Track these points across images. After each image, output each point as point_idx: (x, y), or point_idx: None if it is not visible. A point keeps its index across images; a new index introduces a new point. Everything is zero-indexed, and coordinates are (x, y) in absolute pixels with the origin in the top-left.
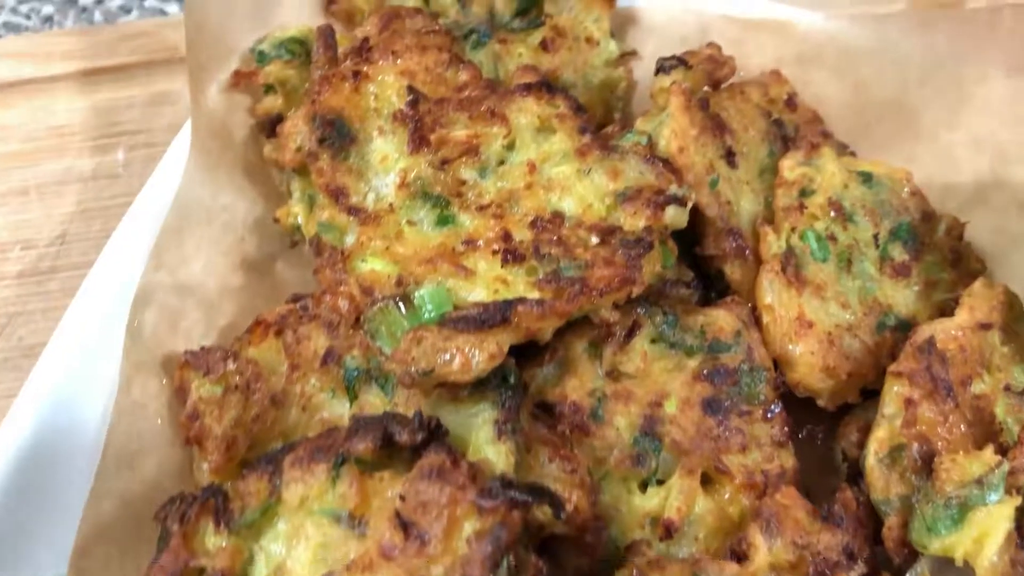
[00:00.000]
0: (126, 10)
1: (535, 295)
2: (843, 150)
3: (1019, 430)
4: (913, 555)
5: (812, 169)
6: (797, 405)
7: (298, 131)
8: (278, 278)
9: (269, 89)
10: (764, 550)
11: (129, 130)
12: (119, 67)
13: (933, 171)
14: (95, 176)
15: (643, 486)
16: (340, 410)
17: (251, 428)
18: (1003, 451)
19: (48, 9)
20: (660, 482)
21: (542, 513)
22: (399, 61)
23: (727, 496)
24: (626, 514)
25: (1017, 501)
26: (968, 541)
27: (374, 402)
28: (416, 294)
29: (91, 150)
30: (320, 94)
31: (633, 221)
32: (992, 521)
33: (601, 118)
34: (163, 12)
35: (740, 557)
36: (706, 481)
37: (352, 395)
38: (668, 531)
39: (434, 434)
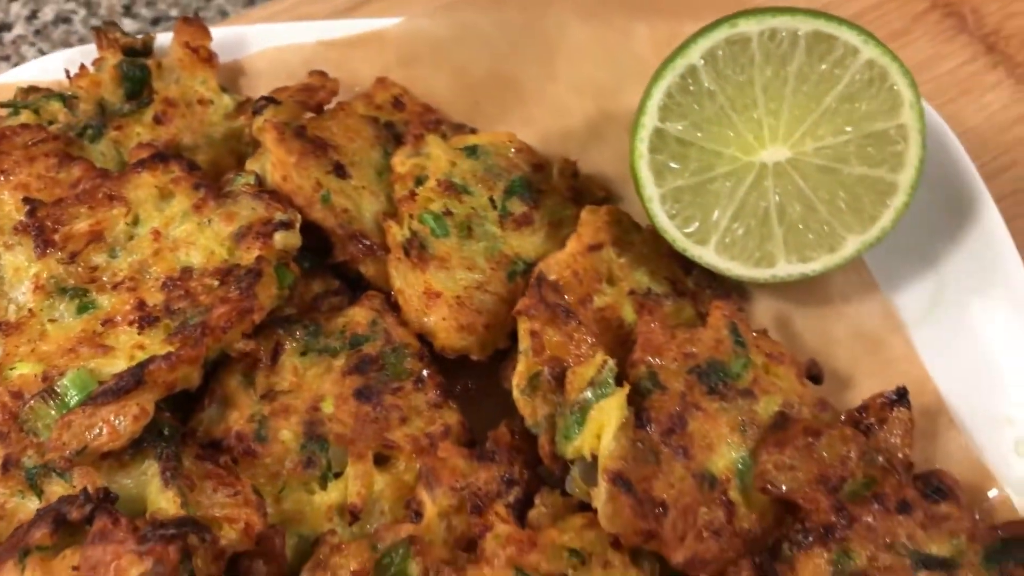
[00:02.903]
0: None
1: (166, 350)
2: (461, 130)
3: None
4: (565, 466)
5: (422, 158)
6: (458, 367)
7: None
8: None
9: None
10: (430, 503)
11: None
12: None
13: (548, 125)
14: None
15: (324, 484)
16: (34, 507)
17: None
18: None
19: None
20: (338, 475)
21: (224, 538)
22: (11, 177)
23: (402, 468)
24: (311, 513)
25: (625, 390)
26: (591, 437)
27: (58, 491)
28: (59, 384)
29: None
30: None
31: (248, 255)
32: (604, 414)
33: (235, 167)
34: None
35: (419, 516)
36: (381, 461)
37: (38, 491)
38: (354, 515)
39: (102, 503)
